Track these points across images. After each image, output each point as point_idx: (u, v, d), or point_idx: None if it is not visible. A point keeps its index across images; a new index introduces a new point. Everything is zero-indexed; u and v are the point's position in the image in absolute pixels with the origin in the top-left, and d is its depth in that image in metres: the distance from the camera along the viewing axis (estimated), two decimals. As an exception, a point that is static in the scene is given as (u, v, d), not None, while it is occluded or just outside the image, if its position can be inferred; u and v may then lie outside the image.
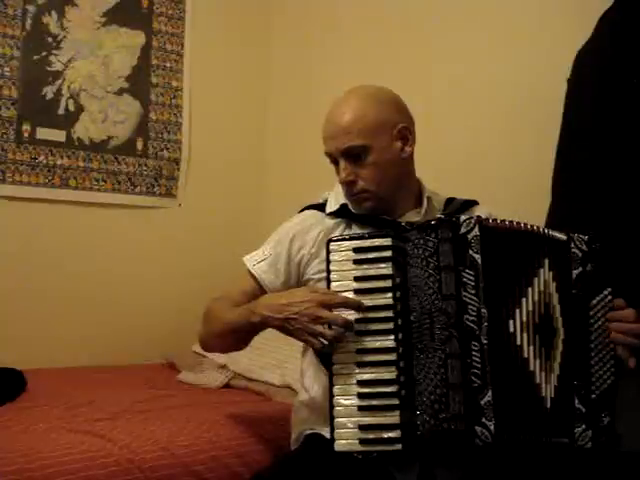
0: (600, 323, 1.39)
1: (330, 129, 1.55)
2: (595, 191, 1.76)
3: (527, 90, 2.22)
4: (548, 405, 1.33)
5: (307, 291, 1.43)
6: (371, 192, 1.54)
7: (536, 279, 1.37)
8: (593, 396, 1.36)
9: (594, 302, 1.40)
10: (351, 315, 1.37)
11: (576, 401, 1.34)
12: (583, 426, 1.34)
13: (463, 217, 1.35)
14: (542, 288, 1.37)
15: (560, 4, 2.17)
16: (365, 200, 1.55)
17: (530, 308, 1.35)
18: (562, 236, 1.41)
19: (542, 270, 1.37)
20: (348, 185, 1.55)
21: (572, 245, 1.40)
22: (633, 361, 1.37)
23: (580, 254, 1.40)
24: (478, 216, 1.36)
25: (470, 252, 1.32)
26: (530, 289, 1.36)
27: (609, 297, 1.40)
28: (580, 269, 1.40)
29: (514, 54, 2.28)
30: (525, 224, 1.39)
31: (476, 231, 1.33)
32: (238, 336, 1.56)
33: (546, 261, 1.38)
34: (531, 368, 1.33)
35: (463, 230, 1.33)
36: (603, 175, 1.75)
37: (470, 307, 1.30)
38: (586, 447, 1.33)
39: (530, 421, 1.32)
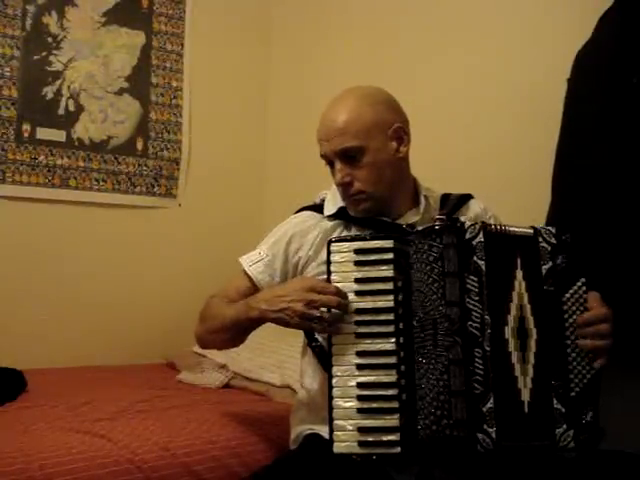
0: (575, 317, 1.36)
1: (325, 131, 1.54)
2: (595, 191, 1.76)
3: (527, 90, 2.22)
4: (526, 409, 1.32)
5: (300, 280, 1.43)
6: (367, 193, 1.53)
7: (515, 281, 1.36)
8: (572, 394, 1.33)
9: (567, 296, 1.36)
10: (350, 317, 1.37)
11: (554, 401, 1.33)
12: (564, 426, 1.32)
13: (468, 222, 1.35)
14: (518, 289, 1.36)
15: (560, 4, 2.17)
16: (362, 201, 1.54)
17: (515, 313, 1.35)
18: (529, 231, 1.39)
19: (517, 271, 1.36)
20: (344, 187, 1.54)
21: (540, 239, 1.37)
22: (602, 361, 1.35)
23: (549, 247, 1.37)
24: (483, 222, 1.36)
25: (474, 258, 1.32)
26: (513, 292, 1.35)
27: (583, 288, 1.37)
28: (550, 263, 1.36)
29: (514, 54, 2.28)
30: (510, 226, 1.38)
31: (480, 237, 1.33)
32: (236, 332, 1.56)
33: (518, 261, 1.37)
34: (515, 373, 1.33)
35: (468, 236, 1.33)
36: (603, 175, 1.75)
37: (474, 314, 1.30)
38: (569, 448, 1.32)
39: (518, 426, 1.31)
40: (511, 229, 1.38)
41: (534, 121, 2.18)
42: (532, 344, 1.34)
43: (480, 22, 2.40)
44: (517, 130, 2.25)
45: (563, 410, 1.32)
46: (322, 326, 1.37)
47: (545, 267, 1.36)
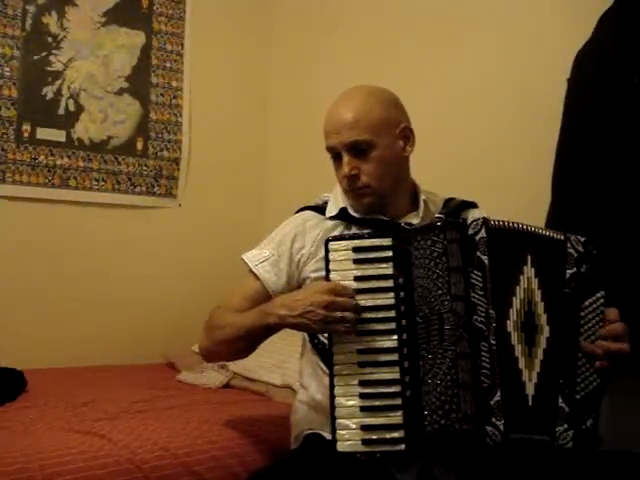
0: (590, 325, 1.39)
1: (334, 124, 1.55)
2: (595, 191, 1.76)
3: (527, 90, 2.22)
4: (530, 402, 1.33)
5: (318, 284, 1.43)
6: (373, 188, 1.54)
7: (522, 277, 1.37)
8: (577, 397, 1.35)
9: (586, 303, 1.39)
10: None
11: (560, 400, 1.34)
12: (565, 425, 1.33)
13: (470, 218, 1.37)
14: (526, 285, 1.37)
15: (560, 4, 2.18)
16: (366, 195, 1.55)
17: (518, 307, 1.36)
18: (559, 236, 1.41)
19: (525, 267, 1.37)
20: (350, 179, 1.54)
21: (568, 245, 1.40)
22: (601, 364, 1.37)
23: (575, 254, 1.40)
24: (484, 218, 1.36)
25: (478, 253, 1.33)
26: (518, 287, 1.36)
27: (602, 300, 1.40)
28: (574, 269, 1.39)
29: (514, 54, 2.28)
30: (518, 224, 1.40)
31: (483, 233, 1.34)
32: (250, 341, 1.53)
33: (529, 258, 1.38)
34: (520, 366, 1.34)
35: (471, 231, 1.34)
36: (603, 175, 1.75)
37: (479, 308, 1.31)
38: (566, 447, 1.32)
39: (522, 419, 1.32)
40: (521, 227, 1.39)
41: (534, 121, 2.18)
42: (542, 340, 1.36)
43: (480, 22, 2.40)
44: (517, 130, 2.26)
45: (567, 410, 1.33)
46: (346, 328, 1.36)
47: (569, 271, 1.39)
